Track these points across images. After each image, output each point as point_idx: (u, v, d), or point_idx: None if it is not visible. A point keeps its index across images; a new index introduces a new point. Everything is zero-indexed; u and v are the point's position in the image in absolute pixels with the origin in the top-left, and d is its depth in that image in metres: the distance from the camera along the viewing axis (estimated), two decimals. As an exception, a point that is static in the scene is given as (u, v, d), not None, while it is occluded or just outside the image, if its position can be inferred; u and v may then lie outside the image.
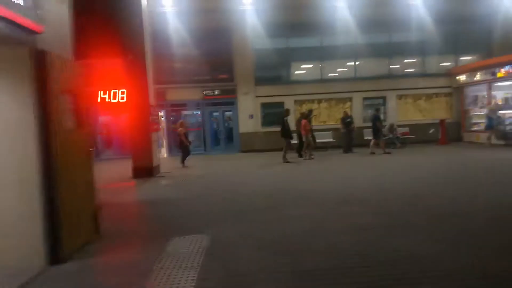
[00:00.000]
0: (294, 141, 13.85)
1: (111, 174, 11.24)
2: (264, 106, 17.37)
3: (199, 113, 17.44)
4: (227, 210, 6.22)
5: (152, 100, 10.76)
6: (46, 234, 3.70)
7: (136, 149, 10.61)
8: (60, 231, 3.76)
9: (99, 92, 13.14)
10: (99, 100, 12.92)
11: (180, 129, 12.74)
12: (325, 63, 17.78)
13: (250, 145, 17.04)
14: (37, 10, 3.70)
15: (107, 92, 12.85)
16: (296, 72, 18.07)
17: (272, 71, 17.80)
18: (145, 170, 10.45)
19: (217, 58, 17.10)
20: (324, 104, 17.70)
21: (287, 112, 13.05)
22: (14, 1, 3.31)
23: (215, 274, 3.54)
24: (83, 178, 4.38)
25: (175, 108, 17.44)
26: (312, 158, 12.86)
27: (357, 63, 17.75)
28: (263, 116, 17.41)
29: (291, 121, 14.12)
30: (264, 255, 3.97)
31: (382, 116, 15.83)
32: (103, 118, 17.11)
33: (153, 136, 10.65)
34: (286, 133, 12.37)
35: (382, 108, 17.07)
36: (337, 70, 18.26)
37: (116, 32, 10.08)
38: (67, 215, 3.91)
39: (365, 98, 17.67)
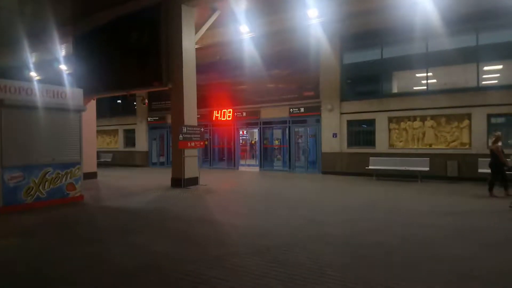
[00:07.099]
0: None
1: (160, 181, 13.61)
2: (351, 123, 15.74)
3: (286, 130, 17.73)
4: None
5: (189, 120, 12.43)
6: None
7: (173, 162, 12.62)
8: None
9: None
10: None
11: (496, 145, 9.65)
12: (433, 70, 14.27)
13: (331, 166, 15.90)
14: None
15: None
16: (392, 84, 15.33)
17: (362, 85, 15.85)
18: (177, 181, 12.31)
19: (304, 76, 16.89)
20: (429, 122, 14.18)
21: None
22: None
23: None
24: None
25: (267, 125, 18.45)
26: None
27: (481, 68, 13.31)
28: (350, 134, 15.80)
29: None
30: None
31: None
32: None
33: (186, 152, 12.30)
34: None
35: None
36: (450, 79, 14.23)
37: (159, 66, 12.52)
38: None
39: (491, 115, 12.97)
